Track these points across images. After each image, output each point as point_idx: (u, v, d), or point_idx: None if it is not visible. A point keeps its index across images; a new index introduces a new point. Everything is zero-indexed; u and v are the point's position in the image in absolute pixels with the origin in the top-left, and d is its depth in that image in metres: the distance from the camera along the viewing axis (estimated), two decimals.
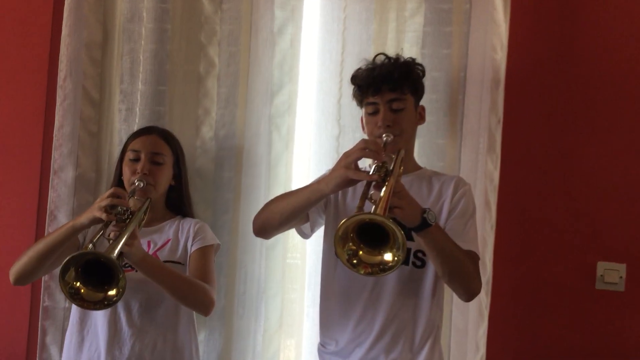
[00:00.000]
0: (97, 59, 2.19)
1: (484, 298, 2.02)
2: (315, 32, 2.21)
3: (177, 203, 2.02)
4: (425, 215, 1.52)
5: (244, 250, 2.16)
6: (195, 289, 1.80)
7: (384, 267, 1.43)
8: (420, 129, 1.95)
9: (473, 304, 1.98)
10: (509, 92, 2.08)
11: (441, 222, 1.72)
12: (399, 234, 1.37)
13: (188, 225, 1.95)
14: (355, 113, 2.01)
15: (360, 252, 1.44)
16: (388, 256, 1.42)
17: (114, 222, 1.65)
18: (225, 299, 2.15)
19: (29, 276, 1.77)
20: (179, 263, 1.89)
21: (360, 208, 1.46)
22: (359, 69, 1.84)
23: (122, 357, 1.80)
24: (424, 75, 1.86)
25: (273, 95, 2.19)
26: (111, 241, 1.60)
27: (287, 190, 2.04)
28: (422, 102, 1.86)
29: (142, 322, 1.82)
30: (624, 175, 2.13)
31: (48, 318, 2.13)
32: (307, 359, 2.14)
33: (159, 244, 1.92)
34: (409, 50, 2.09)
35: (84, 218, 1.68)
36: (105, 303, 1.56)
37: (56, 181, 2.14)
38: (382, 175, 1.51)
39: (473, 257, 1.69)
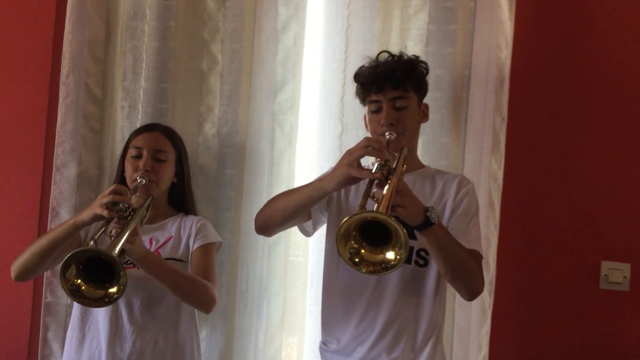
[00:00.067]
0: (99, 56, 2.19)
1: (487, 297, 2.02)
2: (318, 29, 2.20)
3: (180, 200, 2.02)
4: (428, 213, 1.51)
5: (246, 247, 2.16)
6: (197, 287, 1.79)
7: (386, 266, 1.42)
8: (424, 127, 1.94)
9: (476, 303, 1.98)
10: (514, 91, 2.08)
11: (444, 221, 1.71)
12: (402, 232, 1.36)
13: (190, 223, 1.95)
14: (358, 111, 2.00)
15: (363, 251, 1.44)
16: (390, 255, 1.41)
17: (115, 219, 1.65)
18: (227, 296, 2.15)
19: (30, 272, 1.77)
20: (181, 260, 1.89)
21: (363, 206, 1.45)
22: (362, 66, 1.83)
23: (123, 354, 1.80)
24: (427, 73, 1.85)
25: (276, 92, 2.18)
26: (112, 238, 1.60)
27: (290, 188, 2.04)
28: (425, 100, 1.85)
29: (144, 319, 1.82)
30: (629, 175, 2.11)
31: (50, 314, 2.14)
32: (309, 357, 2.14)
33: (161, 242, 1.92)
34: (413, 48, 2.08)
35: (85, 215, 1.68)
36: (106, 300, 1.55)
37: (58, 178, 2.15)
38: (385, 173, 1.50)
39: (476, 256, 1.68)
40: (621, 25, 2.13)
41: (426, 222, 1.52)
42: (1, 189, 2.29)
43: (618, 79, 2.12)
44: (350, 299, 1.73)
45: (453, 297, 2.02)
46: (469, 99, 2.09)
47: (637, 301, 2.09)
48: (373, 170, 1.52)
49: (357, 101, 1.88)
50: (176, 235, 1.93)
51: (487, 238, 2.01)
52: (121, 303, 1.81)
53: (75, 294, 1.55)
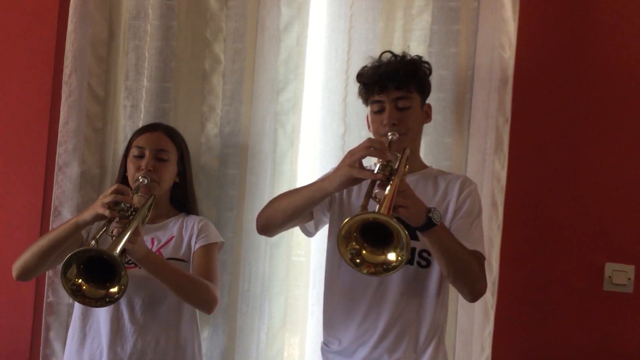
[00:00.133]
0: (102, 55, 2.19)
1: (490, 298, 2.01)
2: (321, 29, 2.20)
3: (182, 200, 2.02)
4: (430, 214, 1.51)
5: (248, 247, 2.16)
6: (199, 287, 1.79)
7: (387, 267, 1.41)
8: (427, 128, 1.93)
9: (479, 304, 1.97)
10: (517, 91, 2.07)
11: (447, 222, 1.70)
12: (403, 233, 1.36)
13: (192, 223, 1.95)
14: (361, 111, 2.00)
15: (364, 252, 1.43)
16: (392, 256, 1.41)
17: (117, 219, 1.65)
18: (229, 296, 2.15)
19: (31, 272, 1.77)
20: (183, 260, 1.89)
21: (364, 207, 1.45)
22: (365, 66, 1.82)
23: (124, 354, 1.80)
24: (430, 73, 1.84)
25: (278, 92, 2.18)
26: (114, 238, 1.60)
27: (292, 188, 2.03)
28: (428, 101, 1.85)
29: (145, 319, 1.82)
30: (633, 176, 2.11)
31: (52, 314, 2.14)
32: (311, 357, 2.14)
33: (163, 241, 1.92)
34: (416, 48, 2.08)
35: (87, 214, 1.68)
36: (107, 300, 1.55)
37: (61, 177, 2.14)
38: (387, 174, 1.50)
39: (478, 258, 1.67)
40: (625, 24, 2.12)
41: (428, 223, 1.51)
42: (3, 189, 2.29)
43: (622, 79, 2.11)
44: (352, 300, 1.73)
45: (456, 298, 2.01)
46: (472, 99, 2.09)
47: None
48: (375, 171, 1.52)
49: (359, 101, 1.87)
50: (178, 235, 1.93)
51: (490, 239, 2.00)
52: (122, 303, 1.81)
53: (76, 293, 1.55)
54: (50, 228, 2.10)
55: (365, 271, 1.44)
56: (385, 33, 2.13)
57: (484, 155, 2.06)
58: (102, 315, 1.83)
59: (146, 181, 1.85)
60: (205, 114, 2.21)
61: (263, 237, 2.02)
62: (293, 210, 1.66)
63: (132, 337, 1.81)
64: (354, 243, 1.42)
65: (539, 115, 2.14)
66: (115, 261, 1.51)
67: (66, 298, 2.12)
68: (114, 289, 1.54)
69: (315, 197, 1.61)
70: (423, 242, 1.62)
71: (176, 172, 1.98)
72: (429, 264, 1.71)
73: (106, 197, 1.66)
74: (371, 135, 1.80)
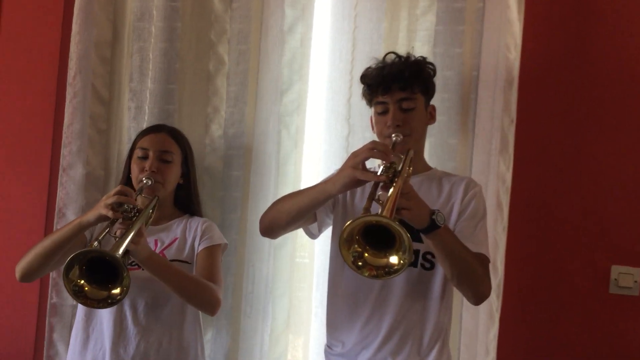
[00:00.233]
0: (106, 57, 2.19)
1: (494, 301, 2.00)
2: (325, 30, 2.19)
3: (185, 201, 2.02)
4: (434, 216, 1.50)
5: (252, 249, 2.16)
6: (202, 289, 1.79)
7: (389, 270, 1.40)
8: (432, 129, 1.93)
9: (484, 306, 1.95)
10: (523, 92, 2.06)
11: (451, 224, 1.69)
12: (406, 236, 1.35)
13: (196, 224, 1.94)
14: (365, 112, 1.98)
15: (366, 254, 1.42)
16: (394, 259, 1.40)
17: (120, 220, 1.64)
18: (232, 298, 2.15)
19: (34, 273, 1.76)
20: (186, 262, 1.89)
21: (367, 209, 1.44)
22: (369, 67, 1.82)
23: (127, 356, 1.80)
24: (434, 74, 1.83)
25: (282, 93, 2.17)
26: (117, 239, 1.59)
27: (296, 189, 2.02)
28: (433, 102, 1.84)
29: (148, 320, 1.82)
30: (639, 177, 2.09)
31: (55, 315, 2.14)
32: (314, 359, 2.12)
33: (166, 243, 1.91)
34: (421, 49, 2.07)
35: (90, 215, 1.68)
36: (109, 301, 1.55)
37: (65, 179, 2.15)
38: (390, 175, 1.49)
39: (483, 260, 1.66)
40: (630, 25, 2.10)
41: (432, 225, 1.50)
42: (8, 190, 2.30)
43: (628, 79, 2.09)
44: (356, 302, 1.72)
45: (460, 300, 2.00)
46: (477, 100, 2.08)
47: None
48: (378, 173, 1.50)
49: (364, 102, 1.86)
50: (181, 236, 1.93)
51: (495, 241, 1.99)
52: (126, 304, 1.81)
53: (79, 294, 1.55)
54: (54, 229, 2.10)
55: (367, 274, 1.43)
56: (390, 34, 2.13)
57: (489, 156, 2.04)
58: (105, 316, 1.83)
59: (150, 182, 1.85)
60: (209, 116, 2.21)
61: (267, 239, 2.01)
62: (296, 212, 1.65)
63: (135, 338, 1.81)
64: (356, 246, 1.42)
65: (544, 116, 2.13)
66: (118, 262, 1.50)
67: (70, 299, 2.12)
68: (116, 290, 1.54)
69: (319, 199, 1.60)
70: (427, 244, 1.61)
71: (180, 174, 1.98)
72: (433, 266, 1.70)
73: (109, 198, 1.66)
74: (375, 137, 1.79)
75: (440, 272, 1.69)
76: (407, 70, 1.75)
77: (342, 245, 1.41)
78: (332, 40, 2.17)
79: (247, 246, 2.16)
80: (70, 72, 2.15)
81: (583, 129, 2.12)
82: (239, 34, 2.21)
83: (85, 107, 2.15)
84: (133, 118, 2.22)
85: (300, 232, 1.94)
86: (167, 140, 1.96)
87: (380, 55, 1.83)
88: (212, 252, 1.90)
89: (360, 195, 1.77)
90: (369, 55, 1.98)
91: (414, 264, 1.68)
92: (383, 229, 1.37)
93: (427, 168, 1.84)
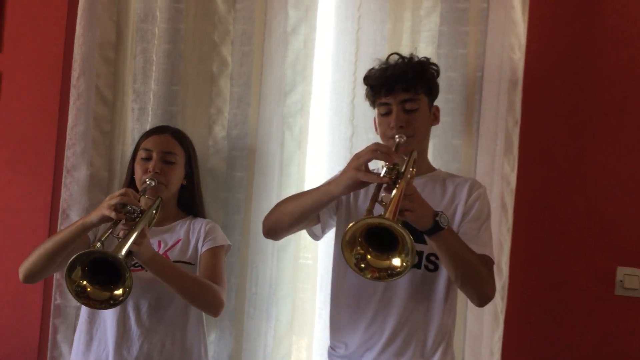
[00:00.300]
0: (110, 58, 2.19)
1: (499, 303, 1.99)
2: (329, 31, 2.19)
3: (189, 203, 2.02)
4: (437, 218, 1.49)
5: (255, 250, 2.16)
6: (205, 290, 1.79)
7: (392, 273, 1.40)
8: (436, 129, 1.92)
9: (488, 308, 1.95)
10: (527, 93, 2.05)
11: (455, 226, 1.68)
12: (408, 238, 1.34)
13: (199, 226, 1.94)
14: (368, 114, 1.98)
15: (369, 256, 1.42)
16: (396, 261, 1.39)
17: (123, 221, 1.64)
18: (236, 299, 2.15)
19: (37, 274, 1.76)
20: (189, 263, 1.89)
21: (370, 211, 1.43)
22: (372, 68, 1.81)
23: (130, 357, 1.80)
24: (438, 75, 1.82)
25: (286, 95, 2.17)
26: (120, 240, 1.59)
27: (300, 190, 2.03)
28: (437, 102, 1.83)
29: (151, 321, 1.82)
30: None
31: (59, 316, 2.14)
32: None
33: (170, 244, 1.91)
34: (425, 50, 2.07)
35: (93, 216, 1.68)
36: (111, 302, 1.55)
37: (69, 180, 2.15)
38: (393, 177, 1.48)
39: (487, 262, 1.65)
40: (634, 25, 2.09)
41: (435, 227, 1.49)
42: (12, 191, 2.31)
43: (632, 80, 2.08)
44: (359, 304, 1.72)
45: (465, 302, 2.00)
46: (481, 101, 2.07)
47: None
48: (381, 174, 1.50)
49: (367, 103, 1.86)
50: (185, 237, 1.93)
51: (499, 242, 1.99)
52: (129, 305, 1.81)
53: (81, 295, 1.55)
54: (58, 231, 2.10)
55: (369, 276, 1.42)
56: (393, 34, 2.12)
57: (493, 157, 2.04)
58: (108, 318, 1.83)
59: (153, 183, 1.85)
60: (212, 117, 2.21)
61: (270, 240, 2.00)
62: (299, 214, 1.65)
63: (139, 340, 1.81)
64: (358, 248, 1.41)
65: (548, 117, 2.12)
66: (120, 263, 1.50)
67: (74, 300, 2.10)
68: (119, 291, 1.53)
69: (322, 200, 1.60)
70: (431, 245, 1.60)
71: (183, 175, 1.98)
72: (436, 267, 1.69)
73: (113, 199, 1.65)
74: (379, 138, 1.78)
75: (444, 273, 1.68)
76: (411, 71, 1.74)
77: (344, 247, 1.40)
78: (336, 42, 2.17)
79: (251, 247, 2.16)
80: (74, 74, 2.16)
81: (587, 129, 2.10)
82: (243, 35, 2.20)
83: (89, 109, 2.15)
84: (137, 119, 2.22)
85: (303, 233, 1.94)
86: (171, 141, 1.96)
87: (384, 57, 1.83)
88: (216, 253, 1.90)
89: (364, 197, 1.77)
90: (372, 57, 1.97)
91: (417, 266, 1.68)
92: (386, 231, 1.36)
93: (431, 169, 1.83)
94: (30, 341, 2.25)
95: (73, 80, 2.15)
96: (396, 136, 1.69)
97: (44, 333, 2.21)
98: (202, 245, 1.90)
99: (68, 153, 2.15)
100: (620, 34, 2.10)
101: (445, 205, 1.71)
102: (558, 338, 2.09)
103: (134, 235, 1.60)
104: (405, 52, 1.82)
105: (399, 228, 1.34)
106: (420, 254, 1.67)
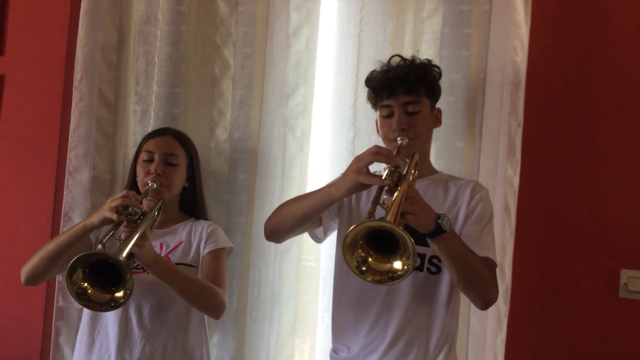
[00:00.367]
0: (112, 61, 2.20)
1: (502, 306, 1.98)
2: (331, 34, 2.19)
3: (191, 205, 2.02)
4: (439, 221, 1.49)
5: (257, 252, 2.15)
6: (207, 292, 1.78)
7: (393, 276, 1.39)
8: (438, 132, 1.91)
9: (491, 311, 1.94)
10: (530, 95, 2.04)
11: (457, 228, 1.68)
12: (409, 241, 1.33)
13: (201, 228, 1.94)
14: (371, 116, 1.98)
15: (370, 259, 1.41)
16: (398, 264, 1.38)
17: (125, 223, 1.64)
18: (238, 302, 2.14)
19: (39, 276, 1.76)
20: (191, 265, 1.89)
21: (371, 214, 1.43)
22: (374, 71, 1.81)
23: (132, 359, 1.80)
24: (440, 77, 1.82)
25: (288, 97, 2.17)
26: (121, 242, 1.59)
27: (302, 193, 2.02)
28: (439, 105, 1.83)
29: (153, 324, 1.82)
30: None
31: (62, 318, 2.15)
32: None
33: (172, 246, 1.91)
34: (427, 51, 2.06)
35: (94, 218, 1.68)
36: (112, 304, 1.55)
37: (71, 182, 2.16)
38: (395, 179, 1.48)
39: (489, 264, 1.64)
40: (637, 27, 2.08)
41: (437, 230, 1.49)
42: (15, 193, 2.31)
43: (635, 81, 2.07)
44: (361, 306, 1.71)
45: (468, 305, 1.99)
46: (484, 103, 2.06)
47: None
48: (383, 177, 1.49)
49: (369, 106, 1.86)
50: (187, 240, 1.93)
51: (502, 245, 1.98)
52: (131, 308, 1.81)
53: (81, 297, 1.55)
54: (60, 233, 2.11)
55: (370, 279, 1.42)
56: (396, 36, 2.12)
57: (496, 159, 2.03)
58: (110, 320, 1.83)
59: (155, 185, 1.85)
60: (214, 119, 2.21)
61: (272, 242, 2.01)
62: (301, 216, 1.65)
63: (140, 342, 1.80)
64: (360, 251, 1.41)
65: (551, 119, 2.11)
66: (121, 265, 1.50)
67: (76, 303, 2.11)
68: (119, 294, 1.53)
69: (323, 203, 1.60)
70: (433, 248, 1.60)
71: (185, 177, 1.98)
72: (439, 270, 1.69)
73: (114, 200, 1.65)
74: (381, 140, 1.78)
75: (446, 276, 1.67)
76: (412, 73, 1.74)
77: (345, 250, 1.40)
78: (338, 44, 2.16)
79: (253, 250, 2.15)
80: (76, 76, 2.16)
81: (590, 131, 2.09)
82: (245, 38, 2.21)
83: (92, 111, 2.16)
84: (139, 122, 2.22)
85: (305, 236, 1.93)
86: (173, 143, 1.96)
87: (386, 59, 1.82)
88: (218, 255, 1.90)
89: (366, 199, 1.76)
90: (374, 59, 1.96)
91: (420, 268, 1.67)
92: (387, 233, 1.36)
93: (433, 171, 1.83)
94: (32, 343, 2.26)
95: (75, 83, 2.16)
96: (398, 139, 1.68)
97: (47, 335, 2.22)
98: (204, 248, 1.90)
99: (70, 155, 2.16)
100: (622, 36, 2.08)
101: (447, 208, 1.71)
102: (561, 341, 2.08)
103: (136, 237, 1.60)
104: (407, 54, 1.81)
105: (400, 231, 1.33)
106: (422, 256, 1.67)
